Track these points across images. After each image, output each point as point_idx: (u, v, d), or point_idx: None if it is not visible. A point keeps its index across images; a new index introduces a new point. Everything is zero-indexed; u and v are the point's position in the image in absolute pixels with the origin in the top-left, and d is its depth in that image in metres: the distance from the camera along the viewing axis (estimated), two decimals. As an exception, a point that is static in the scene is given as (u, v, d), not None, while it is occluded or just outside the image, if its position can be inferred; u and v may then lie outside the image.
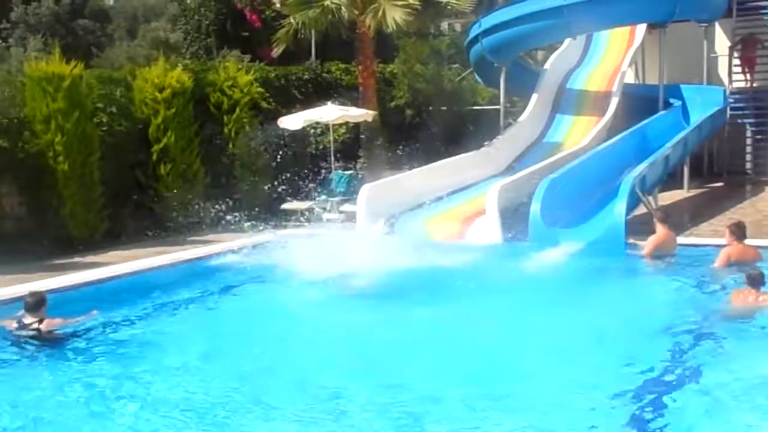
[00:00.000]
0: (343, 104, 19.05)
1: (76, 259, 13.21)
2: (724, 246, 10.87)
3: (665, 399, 6.28)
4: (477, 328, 8.18)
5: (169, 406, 6.51)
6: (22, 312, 8.44)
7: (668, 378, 6.83)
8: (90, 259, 13.27)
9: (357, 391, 6.66)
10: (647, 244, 11.69)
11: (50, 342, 8.23)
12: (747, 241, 10.95)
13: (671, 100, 18.93)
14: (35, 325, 8.27)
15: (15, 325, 8.34)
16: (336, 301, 9.55)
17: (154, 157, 16.17)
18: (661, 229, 11.78)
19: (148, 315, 9.57)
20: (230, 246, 13.33)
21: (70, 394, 6.94)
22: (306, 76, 21.05)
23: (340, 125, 19.89)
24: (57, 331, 8.41)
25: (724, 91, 19.95)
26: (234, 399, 6.67)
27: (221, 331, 8.86)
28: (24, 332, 8.25)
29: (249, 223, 16.09)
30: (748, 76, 21.33)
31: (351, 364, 7.36)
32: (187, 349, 8.05)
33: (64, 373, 7.54)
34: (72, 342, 8.32)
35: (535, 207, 12.99)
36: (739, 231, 10.79)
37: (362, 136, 20.38)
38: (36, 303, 8.43)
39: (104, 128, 15.56)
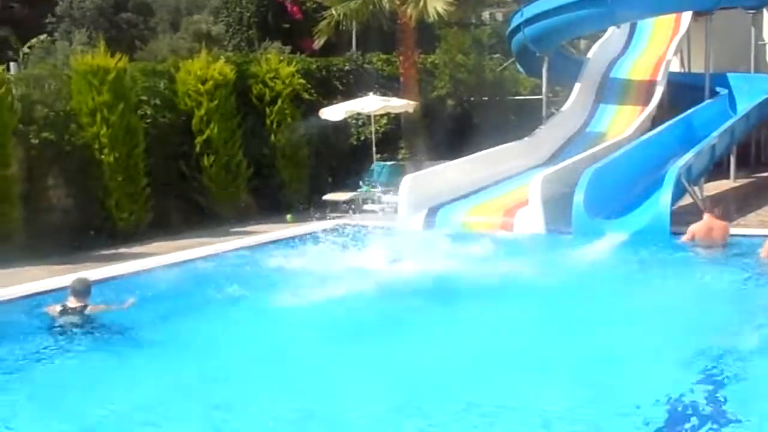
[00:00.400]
0: (384, 95, 19.07)
1: (122, 250, 13.39)
2: None
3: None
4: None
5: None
6: (66, 299, 8.70)
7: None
8: (136, 249, 13.44)
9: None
10: (687, 232, 11.58)
11: (92, 328, 8.42)
12: None
13: (718, 89, 18.66)
14: (78, 310, 8.53)
15: (59, 309, 8.59)
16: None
17: (198, 148, 16.32)
18: (706, 218, 11.64)
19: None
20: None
21: (108, 378, 7.09)
22: (347, 67, 21.10)
23: (382, 116, 19.91)
24: (99, 318, 8.60)
25: (773, 79, 19.60)
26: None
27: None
28: (67, 317, 8.47)
29: (291, 215, 16.27)
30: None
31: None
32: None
33: (106, 359, 7.68)
34: (115, 329, 8.44)
35: (579, 197, 12.88)
36: None
37: (403, 127, 20.37)
38: (83, 288, 8.76)
39: (148, 120, 15.74)
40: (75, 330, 8.34)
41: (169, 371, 7.23)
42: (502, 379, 6.67)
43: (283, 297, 9.17)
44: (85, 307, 8.59)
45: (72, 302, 8.62)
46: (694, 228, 11.62)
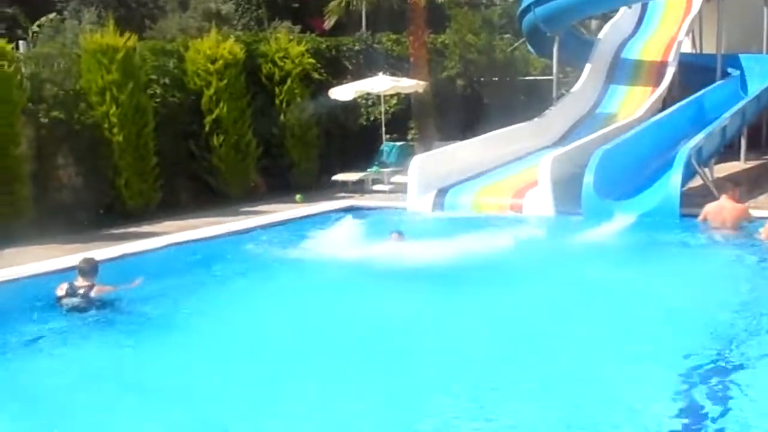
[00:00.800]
0: (394, 75, 19.00)
1: (132, 229, 13.40)
2: None
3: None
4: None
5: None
6: (75, 278, 8.71)
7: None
8: (145, 228, 13.45)
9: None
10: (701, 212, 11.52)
11: (98, 308, 8.45)
12: None
13: (729, 70, 18.53)
14: (85, 290, 8.52)
15: (66, 288, 8.58)
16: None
17: (207, 128, 16.28)
18: (721, 199, 11.59)
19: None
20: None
21: (113, 359, 7.17)
22: (357, 47, 21.02)
23: (391, 96, 19.85)
24: (105, 298, 8.62)
25: (785, 61, 19.45)
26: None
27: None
28: (74, 298, 8.47)
29: (300, 195, 16.27)
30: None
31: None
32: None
33: (112, 338, 7.75)
34: (121, 309, 8.52)
35: (589, 178, 12.86)
36: None
37: (413, 108, 20.32)
38: (89, 268, 8.74)
39: (158, 99, 15.72)
40: (81, 309, 8.37)
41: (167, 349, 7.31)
42: (502, 363, 6.69)
43: (283, 277, 9.43)
44: (91, 287, 8.57)
45: (79, 282, 8.61)
46: (708, 208, 11.59)
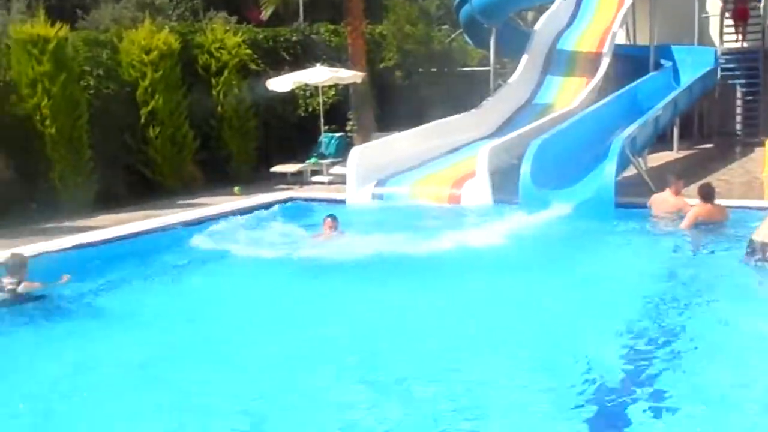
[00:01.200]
0: (332, 66, 18.99)
1: (66, 224, 13.18)
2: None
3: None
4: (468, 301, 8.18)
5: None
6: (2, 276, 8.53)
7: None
8: (80, 223, 13.24)
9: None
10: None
11: (25, 305, 8.29)
12: (724, 203, 11.26)
13: (662, 61, 18.92)
14: (11, 287, 8.34)
15: None
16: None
17: (143, 120, 16.12)
18: (665, 192, 11.86)
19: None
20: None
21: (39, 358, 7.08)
22: (295, 38, 20.95)
23: (330, 87, 19.84)
24: (34, 295, 8.47)
25: (715, 52, 19.96)
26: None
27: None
28: (2, 294, 8.32)
29: (238, 187, 16.18)
30: (740, 31, 21.23)
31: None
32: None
33: (38, 337, 7.65)
34: (49, 305, 8.39)
35: (526, 168, 12.99)
36: (704, 192, 10.96)
37: (352, 99, 20.33)
38: (16, 265, 8.52)
39: (91, 91, 15.49)
40: (8, 305, 8.23)
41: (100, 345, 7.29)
42: (440, 354, 6.76)
43: (214, 273, 9.48)
44: (18, 284, 8.38)
45: (6, 279, 8.42)
46: (653, 198, 11.92)
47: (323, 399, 5.90)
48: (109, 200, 14.99)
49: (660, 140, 17.25)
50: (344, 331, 7.28)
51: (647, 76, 18.01)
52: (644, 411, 5.49)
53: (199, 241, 10.84)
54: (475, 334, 7.08)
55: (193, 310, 8.30)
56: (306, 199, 14.94)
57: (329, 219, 11.01)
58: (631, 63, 18.95)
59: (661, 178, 12.69)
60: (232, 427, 5.56)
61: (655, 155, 16.93)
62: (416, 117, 17.16)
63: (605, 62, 18.43)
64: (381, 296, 8.36)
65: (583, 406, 5.59)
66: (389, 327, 7.44)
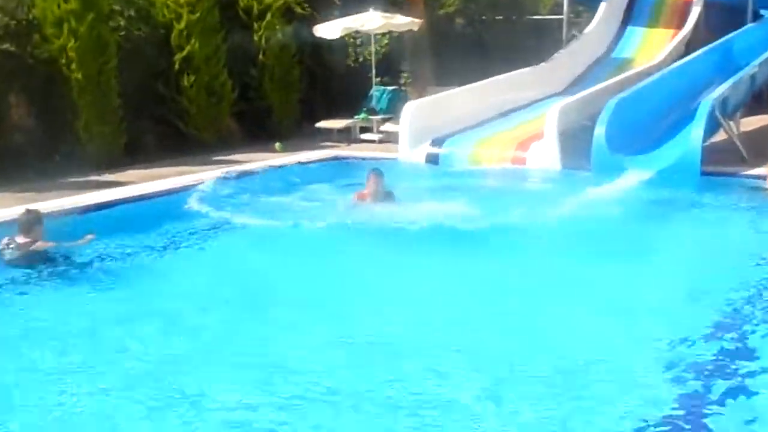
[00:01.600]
0: (386, 11, 18.81)
1: (92, 178, 13.29)
2: None
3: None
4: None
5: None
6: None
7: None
8: (107, 177, 13.35)
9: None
10: None
11: (39, 265, 8.36)
12: None
13: (761, 12, 18.44)
14: (24, 244, 8.39)
15: (5, 243, 8.47)
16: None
17: (177, 66, 16.11)
18: None
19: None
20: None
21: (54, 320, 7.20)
22: (346, -21, 20.79)
23: (383, 35, 19.67)
24: (52, 255, 8.53)
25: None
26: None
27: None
28: (12, 252, 8.39)
29: (280, 143, 16.20)
30: None
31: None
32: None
33: (53, 299, 7.74)
34: (65, 268, 8.46)
35: (600, 131, 12.85)
36: None
37: (407, 48, 20.16)
38: (29, 221, 8.57)
39: (121, 33, 15.48)
40: (23, 264, 8.31)
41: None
42: (498, 330, 6.68)
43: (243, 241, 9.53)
44: (33, 243, 8.42)
45: (20, 237, 8.47)
46: None
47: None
48: (138, 153, 15.06)
49: (755, 102, 16.82)
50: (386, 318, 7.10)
51: (743, 29, 17.61)
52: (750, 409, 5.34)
53: (233, 202, 10.88)
54: (544, 327, 6.78)
55: (219, 281, 8.33)
56: (353, 159, 14.89)
57: (374, 175, 10.63)
58: (726, 13, 18.57)
59: (755, 145, 12.37)
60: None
61: (749, 119, 16.51)
62: (478, 70, 16.92)
63: (695, 12, 18.14)
64: (435, 274, 8.20)
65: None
66: (440, 310, 7.27)
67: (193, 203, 11.01)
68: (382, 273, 8.25)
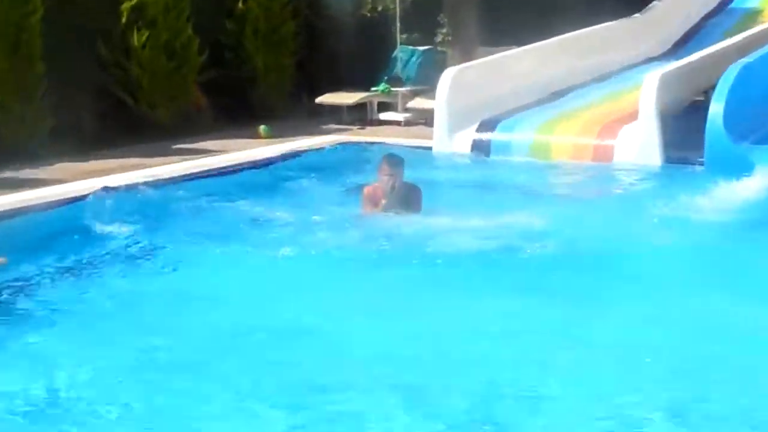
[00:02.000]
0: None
1: (7, 174, 13.26)
2: None
3: None
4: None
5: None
6: None
7: None
8: (26, 173, 13.36)
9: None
10: None
11: None
12: None
13: None
14: None
15: None
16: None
17: (123, 19, 16.15)
18: None
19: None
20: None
21: None
22: None
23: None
24: None
25: None
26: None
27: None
28: None
29: (264, 126, 16.12)
30: None
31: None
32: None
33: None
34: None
35: (716, 109, 12.75)
36: None
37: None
38: None
39: (49, -26, 15.55)
40: None
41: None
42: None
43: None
44: None
45: None
46: None
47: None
48: (72, 140, 15.01)
49: None
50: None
51: None
52: None
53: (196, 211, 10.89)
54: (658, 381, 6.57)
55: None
56: (370, 146, 14.78)
57: (387, 163, 10.18)
58: None
59: None
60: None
61: None
62: (544, 26, 16.86)
63: None
64: (487, 330, 7.88)
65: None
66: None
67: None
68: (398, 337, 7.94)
